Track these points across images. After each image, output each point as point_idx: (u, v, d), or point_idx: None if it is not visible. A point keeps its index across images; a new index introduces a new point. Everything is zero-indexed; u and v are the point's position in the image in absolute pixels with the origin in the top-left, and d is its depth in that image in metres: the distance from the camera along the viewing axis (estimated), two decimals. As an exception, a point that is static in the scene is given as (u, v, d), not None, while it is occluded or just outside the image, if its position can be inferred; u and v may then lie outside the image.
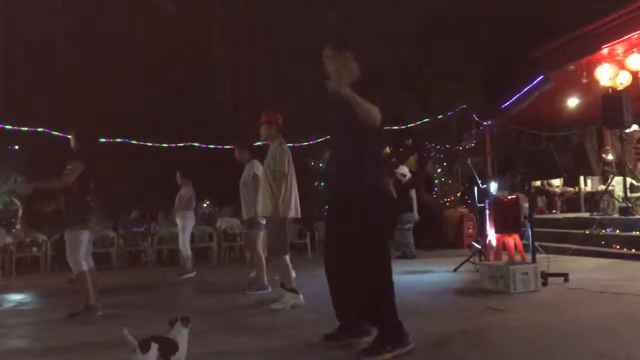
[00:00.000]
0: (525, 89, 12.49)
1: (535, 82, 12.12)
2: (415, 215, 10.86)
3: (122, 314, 5.88)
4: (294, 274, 6.00)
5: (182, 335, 3.41)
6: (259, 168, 6.92)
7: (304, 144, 13.21)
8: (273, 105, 6.35)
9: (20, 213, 14.40)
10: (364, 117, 3.57)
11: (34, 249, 12.14)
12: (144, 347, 3.07)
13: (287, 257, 5.90)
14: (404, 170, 11.02)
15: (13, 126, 12.85)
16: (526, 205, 8.09)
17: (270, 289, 6.82)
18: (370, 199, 3.67)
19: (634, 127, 11.27)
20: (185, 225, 9.71)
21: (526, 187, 8.03)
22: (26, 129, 12.82)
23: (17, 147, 15.71)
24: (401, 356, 3.58)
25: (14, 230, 12.77)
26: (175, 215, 9.90)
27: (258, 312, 5.64)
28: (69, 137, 6.10)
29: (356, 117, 3.57)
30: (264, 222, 6.74)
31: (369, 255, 3.67)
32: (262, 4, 15.89)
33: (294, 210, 5.90)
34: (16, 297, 7.76)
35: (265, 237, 6.87)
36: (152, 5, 15.80)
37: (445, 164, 15.58)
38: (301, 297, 5.75)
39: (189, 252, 9.74)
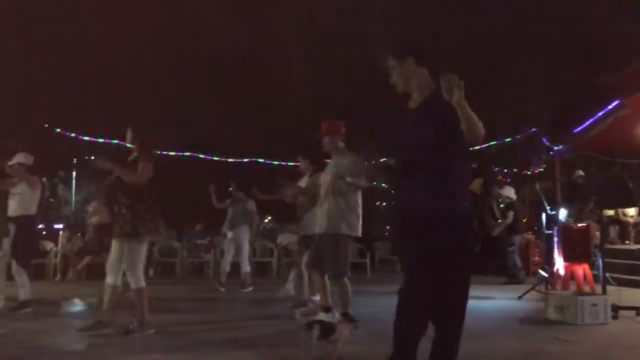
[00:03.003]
0: (599, 114, 12.04)
1: (611, 107, 11.67)
2: (515, 237, 10.47)
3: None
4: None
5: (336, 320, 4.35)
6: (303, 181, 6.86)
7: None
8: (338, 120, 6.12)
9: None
10: (473, 130, 2.91)
11: (104, 255, 12.60)
12: (309, 327, 3.89)
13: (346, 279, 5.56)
14: (509, 192, 10.71)
15: (90, 137, 13.55)
16: (598, 234, 7.78)
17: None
18: (465, 224, 3.18)
19: None
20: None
21: (598, 215, 7.72)
22: (102, 140, 13.48)
23: (92, 157, 16.46)
24: None
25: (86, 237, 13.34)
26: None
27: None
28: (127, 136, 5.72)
29: (453, 129, 2.97)
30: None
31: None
32: (329, 21, 16.11)
33: (359, 228, 5.63)
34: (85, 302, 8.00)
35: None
36: (222, 24, 16.31)
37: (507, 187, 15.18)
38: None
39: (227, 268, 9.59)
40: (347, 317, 5.32)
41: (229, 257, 9.65)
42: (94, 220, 10.75)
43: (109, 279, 5.34)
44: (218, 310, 7.33)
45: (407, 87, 3.37)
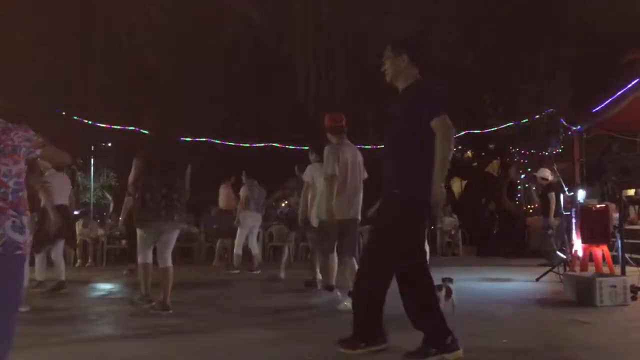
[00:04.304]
0: (619, 92, 11.84)
1: (630, 85, 11.47)
2: (551, 220, 10.23)
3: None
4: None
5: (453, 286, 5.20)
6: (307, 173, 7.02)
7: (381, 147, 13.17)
8: (353, 109, 6.27)
9: (111, 207, 15.20)
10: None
11: (123, 241, 12.80)
12: (439, 288, 4.79)
13: (333, 257, 6.01)
14: (544, 173, 10.61)
15: (106, 124, 13.65)
16: (616, 215, 7.68)
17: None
18: (395, 208, 3.64)
19: None
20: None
21: (617, 196, 7.63)
22: (118, 127, 13.57)
23: (110, 144, 16.61)
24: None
25: (107, 222, 13.52)
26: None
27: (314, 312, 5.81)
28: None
29: (406, 124, 3.64)
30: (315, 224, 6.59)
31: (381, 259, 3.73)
32: (344, 11, 15.94)
33: (349, 212, 5.82)
34: (106, 287, 8.22)
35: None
36: (236, 11, 16.22)
37: (529, 169, 15.04)
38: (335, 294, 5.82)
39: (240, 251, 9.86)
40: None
41: (242, 241, 9.90)
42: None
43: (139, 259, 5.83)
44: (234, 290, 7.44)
45: (395, 79, 3.81)
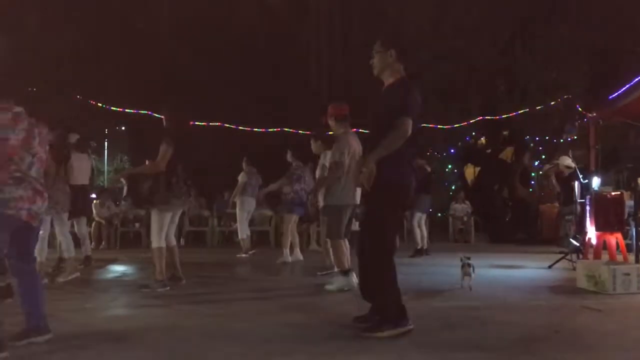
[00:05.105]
0: (636, 79, 11.67)
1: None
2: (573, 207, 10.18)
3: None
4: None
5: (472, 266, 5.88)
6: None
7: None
8: (366, 97, 6.37)
9: (125, 190, 15.28)
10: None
11: (137, 224, 12.95)
12: (463, 266, 5.81)
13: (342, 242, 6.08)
14: (567, 161, 10.52)
15: (120, 108, 13.70)
16: (631, 202, 7.62)
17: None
18: (382, 190, 3.88)
19: None
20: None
21: (632, 184, 7.55)
22: (131, 110, 13.62)
23: (123, 127, 16.70)
24: (399, 335, 3.84)
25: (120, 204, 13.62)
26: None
27: (309, 292, 6.02)
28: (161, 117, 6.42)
29: (385, 117, 3.93)
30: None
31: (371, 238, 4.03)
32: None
33: (355, 198, 6.09)
34: (120, 269, 8.32)
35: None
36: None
37: (543, 156, 14.93)
38: (352, 279, 5.83)
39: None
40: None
41: (245, 224, 10.19)
42: None
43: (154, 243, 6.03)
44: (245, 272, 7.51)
45: (381, 73, 4.14)
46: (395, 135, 3.83)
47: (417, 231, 9.81)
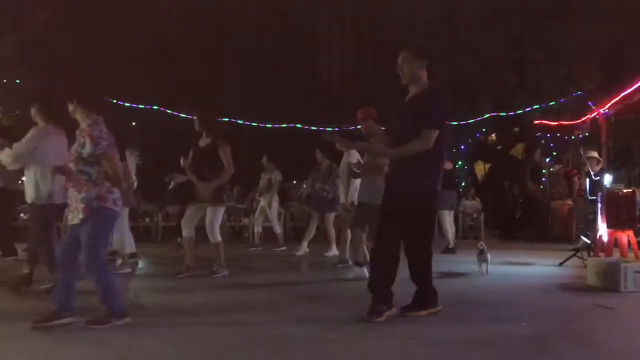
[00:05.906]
0: (649, 75, 11.55)
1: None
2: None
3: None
4: None
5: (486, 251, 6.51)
6: (354, 157, 7.24)
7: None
8: (378, 90, 6.64)
9: (134, 185, 15.34)
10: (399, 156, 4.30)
11: (147, 219, 13.02)
12: (480, 252, 6.57)
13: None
14: (595, 154, 10.40)
15: (131, 104, 13.75)
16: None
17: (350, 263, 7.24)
18: (417, 197, 4.18)
19: None
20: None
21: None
22: (142, 106, 13.67)
23: (134, 123, 16.74)
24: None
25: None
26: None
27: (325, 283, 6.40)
28: (194, 118, 6.76)
29: (415, 123, 4.17)
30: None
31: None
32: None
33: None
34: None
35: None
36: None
37: (554, 153, 14.82)
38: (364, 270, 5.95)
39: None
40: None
41: (260, 220, 10.79)
42: None
43: (186, 233, 6.58)
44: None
45: (411, 82, 4.33)
46: (418, 143, 4.09)
47: (449, 228, 9.82)
